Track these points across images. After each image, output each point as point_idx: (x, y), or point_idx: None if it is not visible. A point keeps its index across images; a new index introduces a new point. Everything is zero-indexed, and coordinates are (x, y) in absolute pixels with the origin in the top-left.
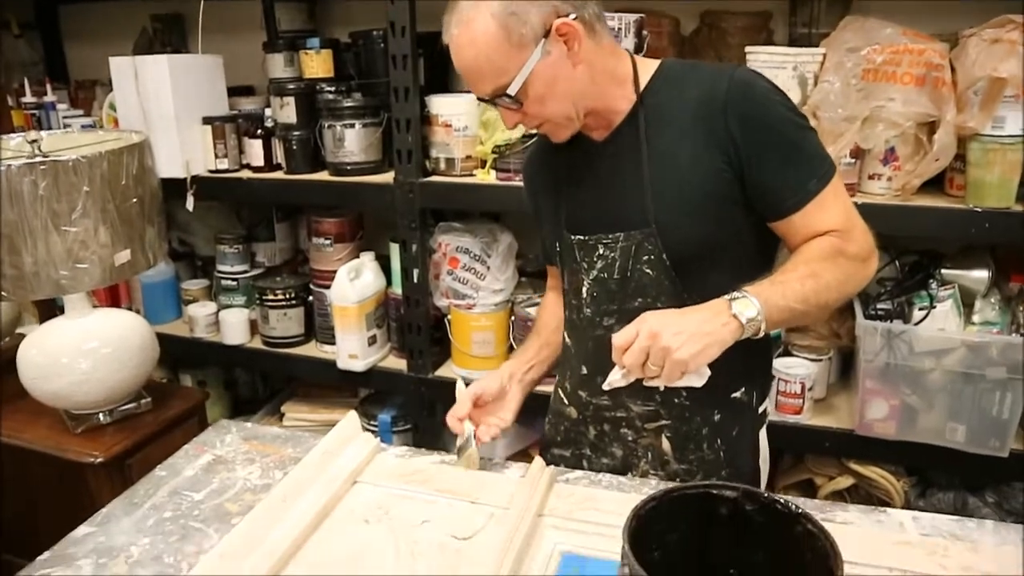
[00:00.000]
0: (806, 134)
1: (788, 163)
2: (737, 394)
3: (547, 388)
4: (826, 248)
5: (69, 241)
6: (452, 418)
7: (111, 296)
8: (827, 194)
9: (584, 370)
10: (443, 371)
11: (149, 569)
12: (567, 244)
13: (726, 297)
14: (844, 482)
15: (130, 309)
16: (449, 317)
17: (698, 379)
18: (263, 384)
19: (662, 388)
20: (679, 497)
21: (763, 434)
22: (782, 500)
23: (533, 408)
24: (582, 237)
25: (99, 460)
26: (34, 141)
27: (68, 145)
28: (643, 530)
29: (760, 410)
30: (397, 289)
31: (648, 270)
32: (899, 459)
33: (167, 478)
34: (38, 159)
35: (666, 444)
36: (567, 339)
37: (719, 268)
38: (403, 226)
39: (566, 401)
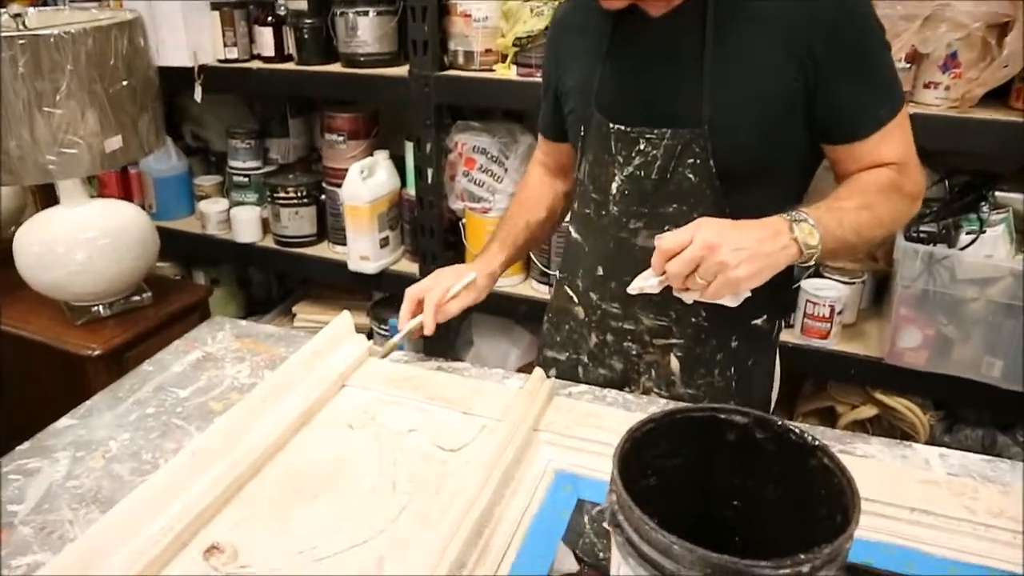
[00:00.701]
0: (886, 55)
1: (865, 86)
2: (758, 321)
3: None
4: (884, 181)
5: (54, 124)
6: (401, 320)
7: (123, 190)
8: (895, 124)
9: (600, 271)
10: None
11: (126, 464)
12: (599, 131)
13: (785, 217)
14: (867, 412)
15: (142, 205)
16: (464, 221)
17: (733, 300)
18: (277, 284)
19: (690, 302)
20: (682, 420)
21: (777, 364)
22: (797, 429)
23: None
24: (622, 127)
25: (97, 353)
26: (18, 15)
27: (56, 22)
28: (638, 454)
29: (778, 339)
30: (411, 190)
31: (690, 175)
32: (928, 391)
33: (154, 373)
34: (18, 34)
35: (674, 364)
36: (578, 235)
37: (763, 186)
38: (417, 123)
39: (575, 299)
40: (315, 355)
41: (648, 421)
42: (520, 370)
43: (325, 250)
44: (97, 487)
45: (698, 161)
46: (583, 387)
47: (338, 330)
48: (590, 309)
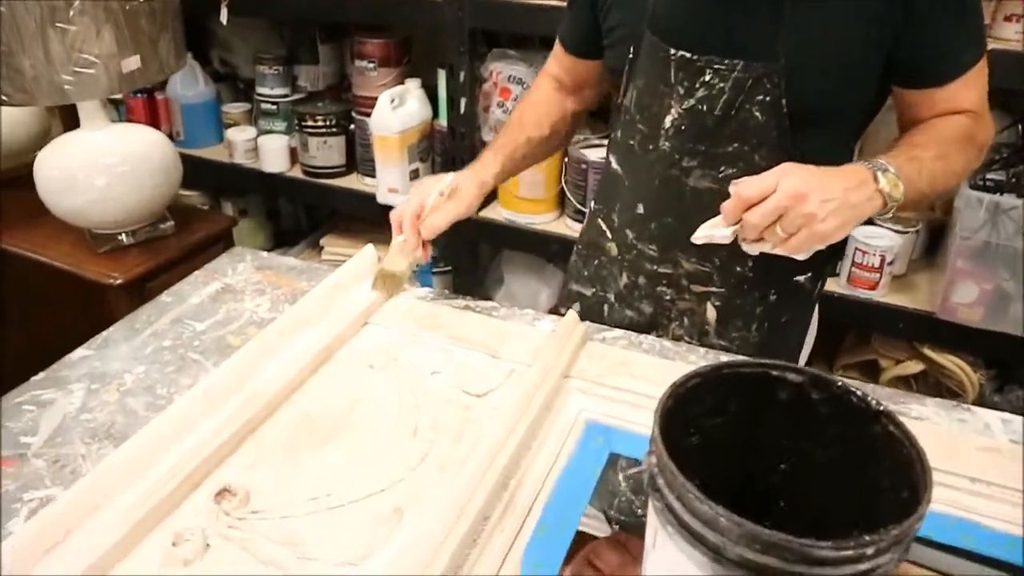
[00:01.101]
0: None
1: (953, 28)
2: (801, 278)
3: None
4: (960, 131)
5: (68, 41)
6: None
7: (150, 117)
8: (977, 70)
9: (640, 209)
10: (488, 212)
11: (140, 399)
12: (655, 55)
13: (867, 166)
14: (913, 367)
15: (170, 133)
16: None
17: (805, 253)
18: (306, 216)
19: (755, 253)
20: (730, 375)
21: (814, 321)
22: (859, 392)
23: None
24: (687, 54)
25: (119, 282)
26: None
27: None
28: (680, 410)
29: (818, 297)
30: (443, 120)
31: (757, 113)
32: (980, 349)
33: (172, 305)
34: None
35: (711, 313)
36: (618, 166)
37: (829, 128)
38: (451, 49)
39: (608, 235)
40: (337, 289)
41: (694, 376)
42: (551, 311)
43: (354, 182)
44: (111, 421)
45: (768, 98)
46: (617, 332)
47: (362, 264)
48: (624, 247)
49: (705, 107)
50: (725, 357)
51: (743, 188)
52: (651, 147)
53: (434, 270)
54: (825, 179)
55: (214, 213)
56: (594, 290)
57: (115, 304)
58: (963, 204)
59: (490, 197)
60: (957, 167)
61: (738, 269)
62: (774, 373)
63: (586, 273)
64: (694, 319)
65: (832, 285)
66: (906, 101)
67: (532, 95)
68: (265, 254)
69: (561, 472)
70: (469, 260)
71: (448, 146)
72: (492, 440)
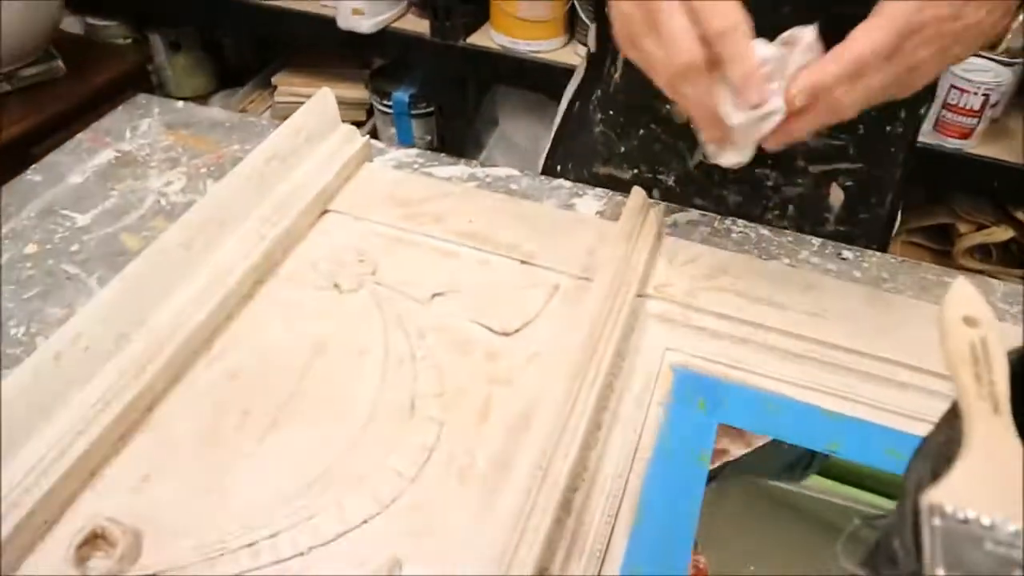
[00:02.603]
0: None
1: None
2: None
3: None
4: None
5: None
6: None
7: None
8: None
9: None
10: (477, 38)
11: None
12: None
13: None
14: (1000, 235)
15: None
16: None
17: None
18: (254, 51)
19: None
20: None
21: None
22: None
23: None
24: None
25: None
26: None
27: None
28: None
29: None
30: None
31: None
32: None
33: (41, 187)
34: None
35: (836, 196)
36: None
37: None
38: None
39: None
40: (279, 160)
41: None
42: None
43: (311, 4)
44: None
45: None
46: (693, 214)
47: (316, 115)
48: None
49: None
50: (849, 253)
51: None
52: None
53: (413, 111)
54: None
55: (118, 47)
56: (635, 171)
57: None
58: None
59: (480, 19)
60: None
61: (887, 129)
62: None
63: (623, 149)
64: (804, 206)
65: None
66: None
67: None
68: (180, 104)
69: (646, 473)
70: (456, 98)
71: None
72: (544, 419)
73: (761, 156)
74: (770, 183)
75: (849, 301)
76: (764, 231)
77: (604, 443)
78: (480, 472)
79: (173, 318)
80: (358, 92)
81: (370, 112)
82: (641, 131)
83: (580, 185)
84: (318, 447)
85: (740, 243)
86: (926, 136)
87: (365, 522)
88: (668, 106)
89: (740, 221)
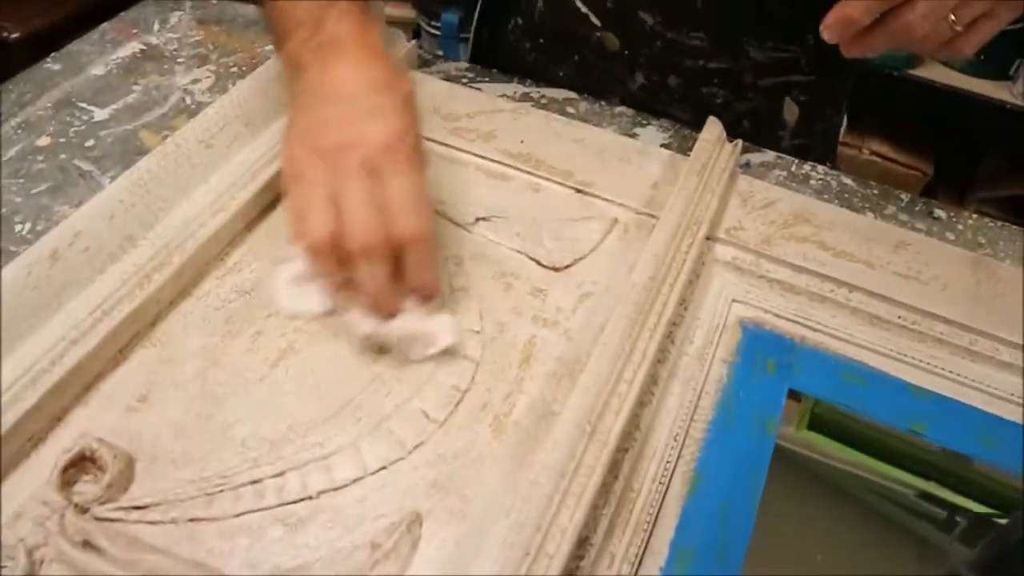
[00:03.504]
0: None
1: None
2: None
3: None
4: None
5: None
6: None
7: None
8: None
9: None
10: None
11: None
12: None
13: None
14: None
15: None
16: None
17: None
18: None
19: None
20: None
21: None
22: None
23: None
24: None
25: (14, 36)
26: None
27: None
28: None
29: None
30: None
31: None
32: None
33: (61, 77)
34: None
35: (790, 111)
36: None
37: None
38: None
39: (597, 22)
40: None
41: None
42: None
43: None
44: None
45: None
46: (769, 155)
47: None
48: (639, 39)
49: None
50: (941, 212)
51: None
52: None
53: (463, 35)
54: None
55: None
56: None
57: (9, 68)
58: None
59: None
60: None
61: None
62: None
63: (561, 73)
64: (758, 122)
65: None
66: None
67: None
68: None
69: (706, 436)
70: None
71: None
72: (595, 368)
73: (706, 73)
74: (719, 100)
75: (947, 265)
76: (847, 180)
77: (659, 401)
78: (518, 422)
79: (186, 224)
80: (404, 11)
81: (416, 33)
82: (576, 57)
83: (644, 114)
84: (336, 379)
85: (819, 191)
86: (1009, 97)
87: (384, 468)
88: (598, 33)
89: (820, 168)
